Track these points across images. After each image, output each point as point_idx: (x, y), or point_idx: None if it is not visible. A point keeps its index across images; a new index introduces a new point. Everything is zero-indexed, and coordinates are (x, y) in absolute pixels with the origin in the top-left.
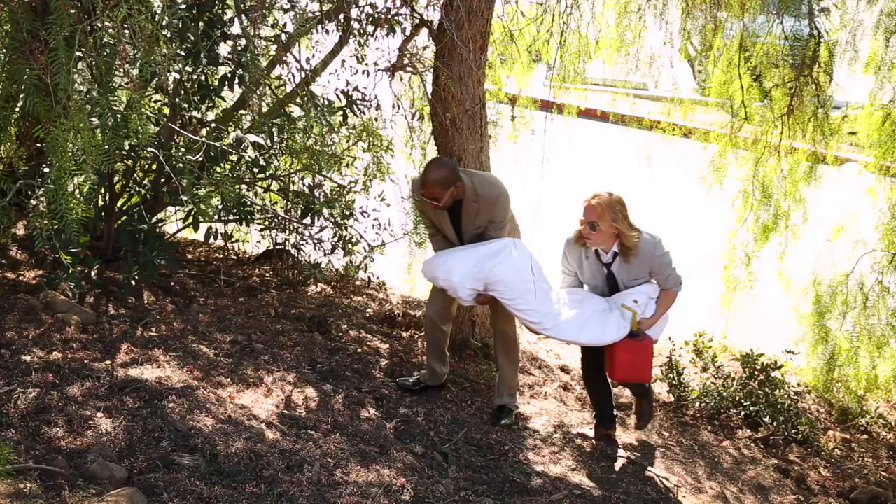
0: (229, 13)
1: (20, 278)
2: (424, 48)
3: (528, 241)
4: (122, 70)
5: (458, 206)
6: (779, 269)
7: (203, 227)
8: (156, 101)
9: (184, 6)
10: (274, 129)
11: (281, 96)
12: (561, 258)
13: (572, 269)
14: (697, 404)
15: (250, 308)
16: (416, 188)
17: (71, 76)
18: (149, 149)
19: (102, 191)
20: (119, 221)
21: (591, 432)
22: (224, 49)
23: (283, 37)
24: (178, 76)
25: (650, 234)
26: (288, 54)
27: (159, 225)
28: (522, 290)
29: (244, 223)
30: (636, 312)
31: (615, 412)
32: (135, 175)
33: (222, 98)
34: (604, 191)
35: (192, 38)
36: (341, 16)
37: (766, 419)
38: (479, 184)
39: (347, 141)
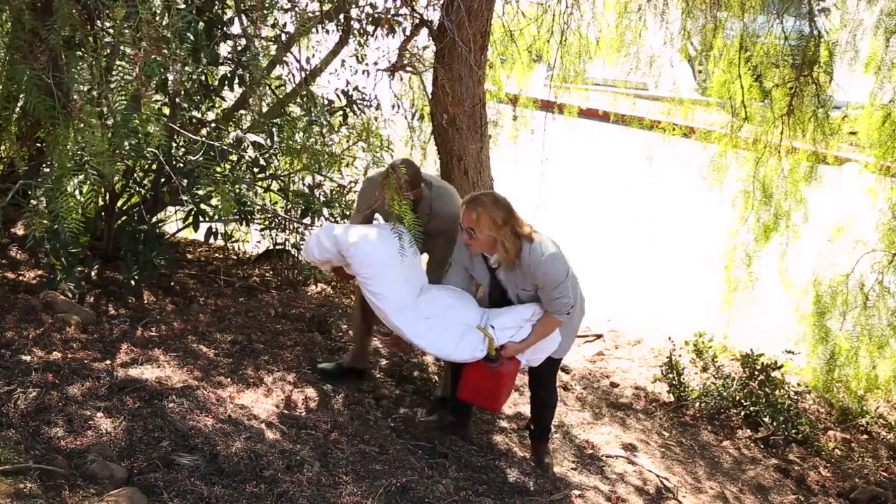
0: (229, 13)
1: (20, 278)
2: (424, 48)
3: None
4: (134, 74)
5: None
6: (780, 269)
7: (203, 227)
8: (156, 102)
9: (183, 6)
10: (274, 129)
11: (281, 96)
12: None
13: (462, 262)
14: (697, 404)
15: (250, 308)
16: (370, 185)
17: (74, 75)
18: (149, 149)
19: (102, 191)
20: (119, 221)
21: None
22: (224, 49)
23: (283, 37)
24: (178, 76)
25: (547, 245)
26: (288, 54)
27: (159, 225)
28: (378, 272)
29: (244, 223)
30: (492, 338)
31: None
32: (135, 175)
33: (222, 98)
34: (487, 193)
35: (193, 38)
36: (341, 16)
37: (766, 419)
38: (436, 197)
39: (347, 141)
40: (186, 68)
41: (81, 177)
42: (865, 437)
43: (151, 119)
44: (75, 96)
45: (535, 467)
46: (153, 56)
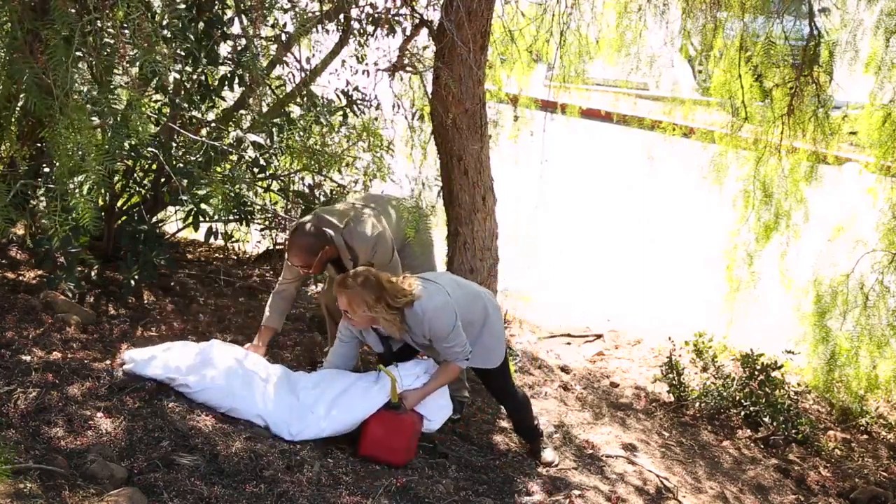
0: (229, 13)
1: (20, 278)
2: (424, 48)
3: (527, 242)
4: (121, 69)
5: (339, 261)
6: (780, 268)
7: (203, 227)
8: (156, 101)
9: (183, 6)
10: (274, 129)
11: (281, 96)
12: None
13: (352, 331)
14: (697, 404)
15: (250, 308)
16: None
17: (70, 75)
18: (149, 149)
19: (102, 191)
20: (119, 221)
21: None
22: (224, 49)
23: (283, 37)
24: (178, 76)
25: (426, 304)
26: (288, 54)
27: (159, 225)
28: (212, 395)
29: (244, 223)
30: (395, 379)
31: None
32: (135, 175)
33: (222, 98)
34: (357, 274)
35: (192, 38)
36: (341, 16)
37: (766, 419)
38: (348, 236)
39: (347, 141)
40: (186, 68)
41: (82, 177)
42: (865, 437)
43: (142, 118)
44: (75, 95)
45: (535, 467)
46: (146, 51)
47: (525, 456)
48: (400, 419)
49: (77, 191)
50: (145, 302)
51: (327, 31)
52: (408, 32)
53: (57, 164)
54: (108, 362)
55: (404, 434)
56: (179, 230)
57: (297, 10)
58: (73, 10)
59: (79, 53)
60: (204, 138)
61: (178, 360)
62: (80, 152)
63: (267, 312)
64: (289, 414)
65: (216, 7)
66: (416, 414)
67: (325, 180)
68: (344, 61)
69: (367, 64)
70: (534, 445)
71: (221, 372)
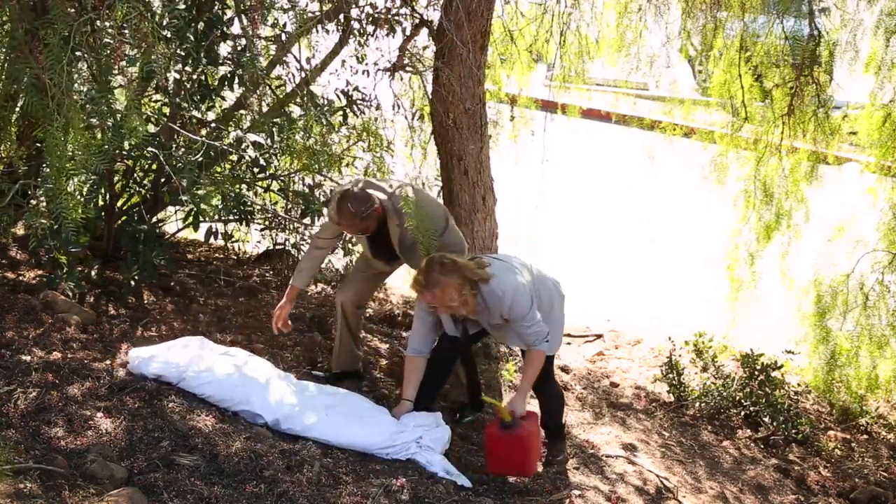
0: (229, 13)
1: (20, 278)
2: (424, 48)
3: (527, 242)
4: (118, 68)
5: (382, 227)
6: (781, 268)
7: (203, 227)
8: (156, 101)
9: (183, 6)
10: (274, 129)
11: (281, 96)
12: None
13: (427, 312)
14: (697, 404)
15: (250, 308)
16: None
17: (69, 75)
18: (149, 149)
19: (102, 191)
20: (119, 221)
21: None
22: (224, 49)
23: (283, 37)
24: (177, 76)
25: (503, 281)
26: (288, 54)
27: (159, 225)
28: (238, 398)
29: (244, 223)
30: (498, 403)
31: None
32: (135, 175)
33: (222, 98)
34: (434, 264)
35: (192, 38)
36: (341, 16)
37: (766, 419)
38: (397, 201)
39: (347, 141)
40: (186, 68)
41: (83, 177)
42: (865, 437)
43: (140, 118)
44: (74, 96)
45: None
46: (145, 51)
47: None
48: (515, 437)
49: (76, 191)
50: (145, 302)
51: (327, 31)
52: (408, 32)
53: (52, 164)
54: (108, 362)
55: (521, 449)
56: (179, 230)
57: (296, 10)
58: (72, 10)
59: (78, 53)
60: (204, 138)
61: (186, 356)
62: (77, 153)
63: (296, 272)
64: (291, 409)
65: (216, 7)
66: (527, 423)
67: (325, 180)
68: (344, 61)
69: (367, 64)
70: (555, 444)
71: (230, 367)
